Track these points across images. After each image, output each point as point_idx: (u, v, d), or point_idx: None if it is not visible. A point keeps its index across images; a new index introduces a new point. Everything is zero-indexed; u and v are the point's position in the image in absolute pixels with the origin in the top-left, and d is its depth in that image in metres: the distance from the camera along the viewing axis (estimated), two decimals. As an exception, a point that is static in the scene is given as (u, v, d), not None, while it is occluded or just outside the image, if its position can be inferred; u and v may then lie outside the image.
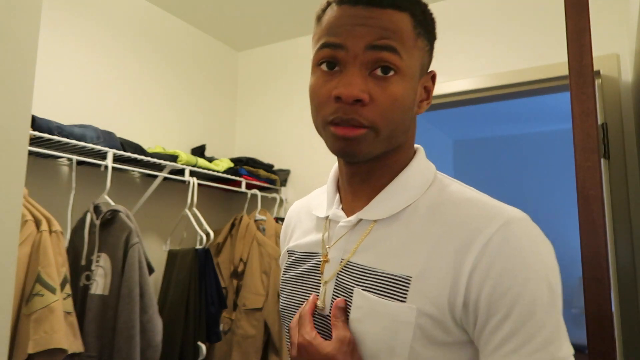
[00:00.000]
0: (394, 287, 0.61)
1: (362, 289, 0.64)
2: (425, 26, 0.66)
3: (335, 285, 0.68)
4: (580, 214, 1.10)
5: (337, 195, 0.74)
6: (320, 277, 0.71)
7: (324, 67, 0.63)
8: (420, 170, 0.68)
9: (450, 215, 0.62)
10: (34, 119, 1.59)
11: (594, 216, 1.07)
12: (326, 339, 0.65)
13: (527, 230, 0.59)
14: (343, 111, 0.61)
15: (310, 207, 0.81)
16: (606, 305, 1.07)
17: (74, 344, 1.44)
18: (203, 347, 1.96)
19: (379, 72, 0.61)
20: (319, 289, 0.70)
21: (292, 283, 0.76)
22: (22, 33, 1.08)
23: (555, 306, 0.58)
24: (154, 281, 2.25)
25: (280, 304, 0.78)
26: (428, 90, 0.69)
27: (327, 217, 0.73)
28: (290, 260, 0.78)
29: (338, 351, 0.61)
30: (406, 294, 0.60)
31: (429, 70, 0.69)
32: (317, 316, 0.69)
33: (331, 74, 0.63)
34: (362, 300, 0.63)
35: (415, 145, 0.72)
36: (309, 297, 0.71)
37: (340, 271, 0.68)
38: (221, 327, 2.17)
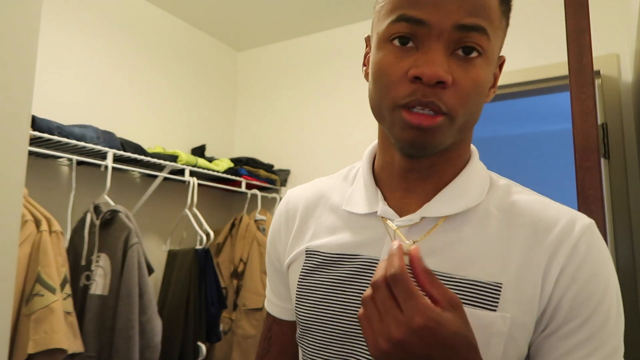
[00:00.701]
0: (482, 295, 0.55)
1: None
2: (508, 3, 0.59)
3: None
4: (580, 214, 1.10)
5: (379, 191, 0.64)
6: (369, 281, 0.60)
7: (396, 42, 0.55)
8: (481, 167, 0.63)
9: (528, 218, 0.57)
10: (34, 119, 1.59)
11: (594, 216, 1.07)
12: None
13: (598, 236, 0.57)
14: (422, 93, 0.52)
15: (327, 199, 0.71)
16: (606, 305, 1.07)
17: (73, 344, 1.44)
18: (203, 347, 1.96)
19: (460, 52, 0.54)
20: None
21: (323, 289, 0.64)
22: (22, 33, 1.07)
23: (621, 315, 0.58)
24: (154, 281, 2.25)
25: (303, 313, 0.65)
26: (496, 77, 0.61)
27: (375, 214, 0.63)
28: (314, 262, 0.66)
29: (467, 325, 0.50)
30: (497, 302, 0.54)
31: (503, 57, 0.62)
32: None
33: (405, 50, 0.54)
34: None
35: (475, 150, 0.66)
36: (355, 304, 0.61)
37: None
38: (221, 327, 2.17)
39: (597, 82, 1.96)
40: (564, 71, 2.03)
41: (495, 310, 0.54)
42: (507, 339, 0.54)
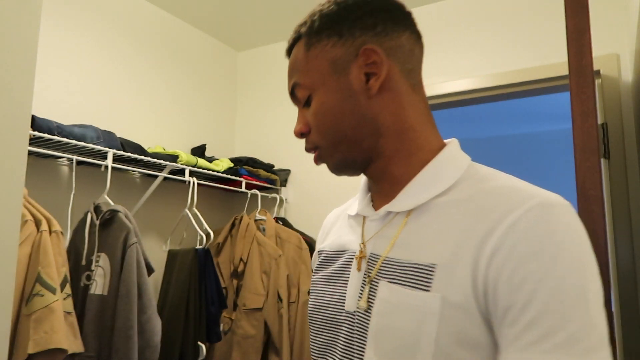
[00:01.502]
0: (418, 276, 0.57)
1: (388, 281, 0.60)
2: (327, 24, 0.65)
3: (372, 283, 0.63)
4: (580, 214, 1.10)
5: (369, 194, 0.73)
6: (349, 274, 0.67)
7: None
8: (448, 162, 0.64)
9: (482, 202, 0.57)
10: (34, 119, 1.59)
11: (594, 216, 1.07)
12: (363, 340, 0.61)
13: (565, 217, 0.53)
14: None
15: (346, 211, 0.81)
16: (606, 305, 1.07)
17: (74, 344, 1.44)
18: (203, 347, 1.96)
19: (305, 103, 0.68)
20: (346, 287, 0.67)
21: (322, 282, 0.73)
22: (22, 33, 1.07)
23: (588, 301, 0.49)
24: (154, 281, 2.25)
25: (309, 304, 0.74)
26: (371, 68, 0.63)
27: (360, 215, 0.73)
28: (320, 259, 0.77)
29: None
30: (430, 283, 0.56)
31: (363, 48, 0.63)
32: (356, 314, 0.64)
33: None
34: (387, 292, 0.59)
35: (449, 140, 0.69)
36: (337, 295, 0.67)
37: (379, 268, 0.62)
38: (221, 327, 2.17)
39: (597, 82, 1.96)
40: (564, 71, 2.03)
41: (428, 291, 0.56)
42: (440, 319, 0.54)
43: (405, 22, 0.66)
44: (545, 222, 0.52)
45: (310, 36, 0.66)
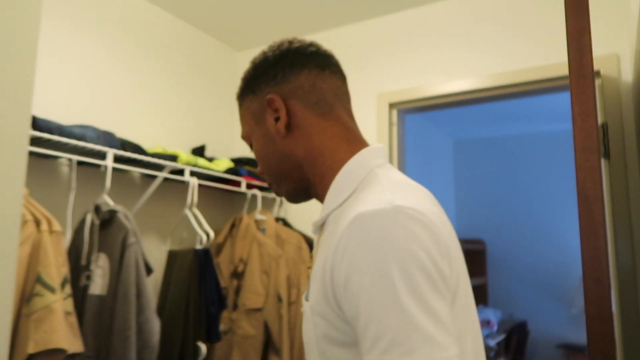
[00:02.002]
0: (309, 287, 0.68)
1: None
2: (246, 85, 0.80)
3: None
4: (580, 214, 1.10)
5: None
6: None
7: None
8: (344, 178, 0.71)
9: (344, 216, 0.63)
10: (34, 119, 1.59)
11: (594, 216, 1.07)
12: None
13: (374, 225, 0.56)
14: None
15: None
16: (606, 305, 1.07)
17: (74, 344, 1.44)
18: (203, 347, 1.96)
19: None
20: None
21: None
22: (22, 33, 1.08)
23: (402, 304, 0.52)
24: (154, 281, 2.25)
25: None
26: (276, 113, 0.75)
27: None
28: None
29: None
30: (309, 294, 0.66)
31: (266, 99, 0.76)
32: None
33: None
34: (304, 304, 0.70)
35: (361, 151, 0.73)
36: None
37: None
38: (221, 327, 2.17)
39: (597, 82, 1.96)
40: (564, 71, 2.03)
41: (308, 301, 0.66)
42: (313, 324, 0.64)
43: (303, 62, 0.76)
44: (355, 236, 0.57)
45: (239, 98, 0.82)
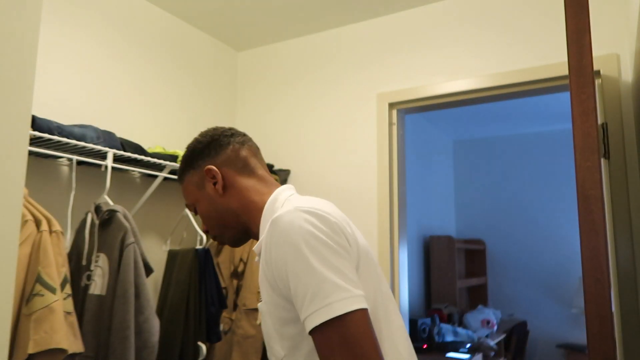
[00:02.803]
0: (261, 295, 0.91)
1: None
2: (186, 164, 1.05)
3: None
4: (580, 214, 1.10)
5: None
6: None
7: None
8: (264, 215, 0.96)
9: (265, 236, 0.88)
10: (34, 119, 1.59)
11: (594, 216, 1.07)
12: None
13: (282, 221, 0.82)
14: None
15: None
16: (606, 305, 1.07)
17: (74, 344, 1.44)
18: (203, 347, 1.96)
19: None
20: None
21: None
22: (22, 33, 1.08)
23: (314, 268, 0.76)
24: (154, 281, 2.25)
25: None
26: (213, 179, 1.01)
27: None
28: None
29: None
30: (261, 296, 0.90)
31: (205, 169, 1.01)
32: None
33: None
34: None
35: (274, 194, 0.99)
36: None
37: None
38: (221, 327, 2.17)
39: (597, 82, 1.96)
40: (564, 71, 2.03)
41: (262, 302, 0.90)
42: (270, 315, 0.87)
43: (227, 141, 1.03)
44: (273, 235, 0.83)
45: (180, 176, 1.07)
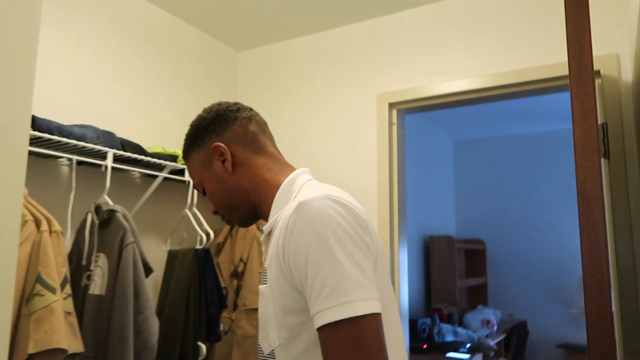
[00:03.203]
0: (264, 276, 0.87)
1: (260, 282, 0.88)
2: (190, 143, 1.00)
3: None
4: (580, 214, 1.10)
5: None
6: None
7: None
8: (283, 192, 0.92)
9: (285, 215, 0.84)
10: (34, 119, 1.59)
11: (594, 216, 1.07)
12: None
13: (311, 207, 0.78)
14: None
15: None
16: (606, 305, 1.07)
17: (74, 344, 1.44)
18: (203, 347, 1.96)
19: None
20: None
21: None
22: (22, 33, 1.08)
23: (338, 260, 0.73)
24: (154, 281, 2.25)
25: None
26: (222, 156, 0.96)
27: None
28: None
29: None
30: (266, 279, 0.85)
31: (212, 147, 0.97)
32: None
33: None
34: (260, 289, 0.88)
35: (295, 172, 0.95)
36: None
37: (262, 273, 0.91)
38: (221, 327, 2.17)
39: (597, 82, 1.96)
40: (564, 71, 2.03)
41: (266, 283, 0.84)
42: (273, 300, 0.82)
43: (233, 116, 0.98)
44: (298, 220, 0.78)
45: (185, 156, 1.02)
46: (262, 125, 1.01)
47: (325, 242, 0.74)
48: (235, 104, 1.01)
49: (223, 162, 0.96)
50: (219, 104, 1.01)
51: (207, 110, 1.00)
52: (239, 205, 0.97)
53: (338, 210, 0.77)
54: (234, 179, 0.96)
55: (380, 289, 0.83)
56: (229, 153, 0.95)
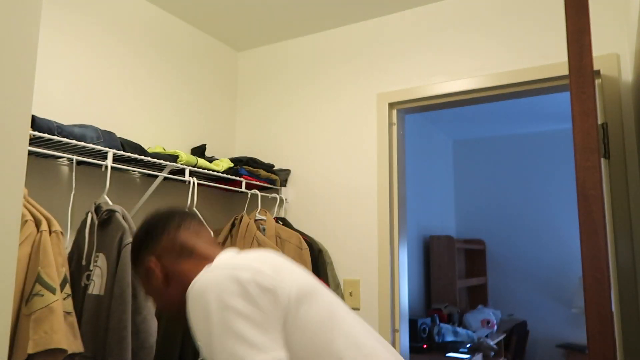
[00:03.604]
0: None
1: None
2: (135, 261, 1.11)
3: None
4: (580, 214, 1.10)
5: None
6: None
7: None
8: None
9: None
10: (34, 119, 1.59)
11: (594, 216, 1.07)
12: None
13: (196, 288, 0.86)
14: None
15: None
16: (606, 305, 1.07)
17: (73, 344, 1.44)
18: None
19: None
20: None
21: None
22: (22, 33, 1.08)
23: (225, 333, 0.82)
24: (154, 281, 2.25)
25: None
26: (153, 273, 1.07)
27: None
28: None
29: None
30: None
31: (146, 262, 1.08)
32: None
33: None
34: None
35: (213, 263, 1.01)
36: None
37: None
38: (221, 327, 2.16)
39: (597, 82, 1.96)
40: (564, 71, 2.03)
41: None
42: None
43: (161, 232, 1.06)
44: (189, 301, 0.88)
45: (133, 269, 1.16)
46: (194, 226, 1.10)
47: (207, 320, 0.84)
48: (168, 212, 1.11)
49: (157, 277, 1.06)
50: (152, 216, 1.11)
51: (140, 226, 1.12)
52: (179, 307, 1.07)
53: (224, 286, 0.85)
54: (169, 291, 1.06)
55: (318, 313, 0.91)
56: (159, 268, 1.05)
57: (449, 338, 3.70)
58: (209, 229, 1.13)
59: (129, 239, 1.69)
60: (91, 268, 1.70)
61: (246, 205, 2.54)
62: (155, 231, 1.07)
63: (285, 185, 2.66)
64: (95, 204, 1.78)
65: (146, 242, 1.07)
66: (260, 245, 2.27)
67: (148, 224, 1.09)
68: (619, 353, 1.71)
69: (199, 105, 2.65)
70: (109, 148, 1.78)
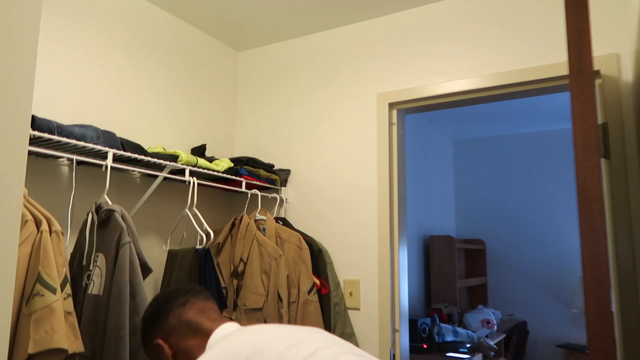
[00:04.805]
0: None
1: None
2: (143, 343, 1.17)
3: None
4: (580, 214, 1.10)
5: None
6: None
7: None
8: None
9: None
10: (34, 119, 1.59)
11: (594, 216, 1.07)
12: None
13: None
14: None
15: None
16: (606, 305, 1.07)
17: (74, 344, 1.44)
18: (203, 347, 1.96)
19: None
20: None
21: None
22: (22, 33, 1.08)
23: None
24: (154, 281, 2.25)
25: None
26: (162, 352, 1.11)
27: None
28: None
29: None
30: None
31: (154, 344, 1.13)
32: None
33: None
34: None
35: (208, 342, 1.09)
36: None
37: None
38: (221, 327, 2.16)
39: (597, 82, 1.96)
40: (564, 71, 2.03)
41: None
42: None
43: (167, 310, 1.12)
44: None
45: (144, 349, 1.20)
46: (199, 304, 1.14)
47: None
48: (172, 293, 1.16)
49: (167, 354, 1.10)
50: (155, 299, 1.17)
51: (147, 309, 1.17)
52: None
53: None
54: None
55: None
56: (166, 349, 1.10)
57: (449, 338, 3.71)
58: (214, 303, 1.18)
59: (126, 238, 1.68)
60: (91, 268, 1.70)
61: (246, 205, 2.54)
62: (160, 312, 1.14)
63: (285, 185, 2.66)
64: (95, 204, 1.78)
65: (153, 324, 1.14)
66: (260, 245, 2.27)
67: (154, 307, 1.15)
68: (619, 353, 1.71)
69: (199, 105, 2.65)
70: (109, 148, 1.78)
